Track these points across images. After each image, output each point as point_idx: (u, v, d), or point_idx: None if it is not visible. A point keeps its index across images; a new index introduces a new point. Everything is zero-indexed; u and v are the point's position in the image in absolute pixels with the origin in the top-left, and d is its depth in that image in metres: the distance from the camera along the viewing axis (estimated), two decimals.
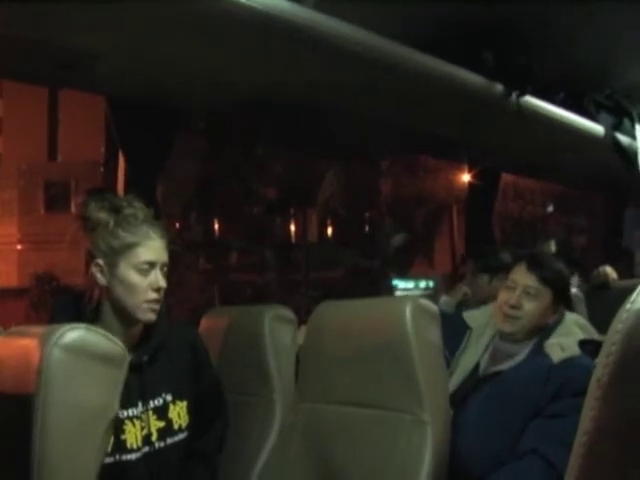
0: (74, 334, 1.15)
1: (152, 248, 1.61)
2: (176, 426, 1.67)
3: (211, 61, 1.98)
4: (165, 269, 1.65)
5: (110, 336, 1.21)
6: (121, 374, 1.21)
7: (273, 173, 7.03)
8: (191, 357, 1.77)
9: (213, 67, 2.04)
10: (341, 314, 1.91)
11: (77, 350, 1.15)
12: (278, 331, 2.06)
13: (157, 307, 1.63)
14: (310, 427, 1.85)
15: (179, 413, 1.68)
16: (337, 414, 1.79)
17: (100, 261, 1.59)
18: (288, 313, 2.11)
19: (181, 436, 1.68)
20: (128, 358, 1.24)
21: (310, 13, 1.78)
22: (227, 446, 1.90)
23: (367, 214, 8.17)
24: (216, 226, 7.17)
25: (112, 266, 1.59)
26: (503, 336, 1.92)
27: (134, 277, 1.59)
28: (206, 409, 1.82)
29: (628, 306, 0.57)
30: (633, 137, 3.14)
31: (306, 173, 7.10)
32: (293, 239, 7.70)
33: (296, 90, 2.28)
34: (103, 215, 1.60)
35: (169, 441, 1.64)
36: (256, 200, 7.19)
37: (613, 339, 0.57)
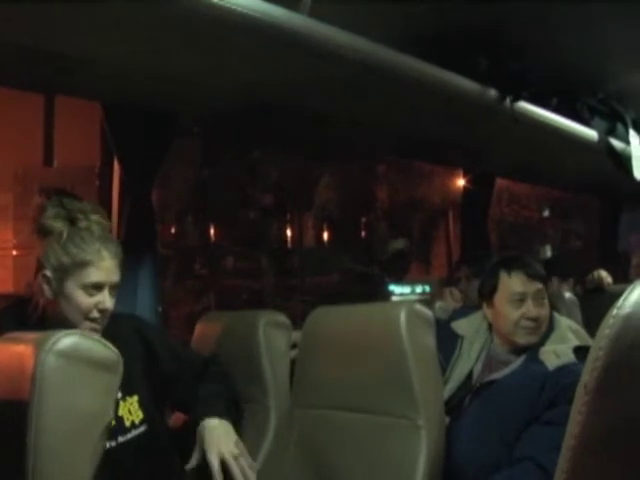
0: (68, 340, 1.16)
1: (102, 269, 1.58)
2: (127, 423, 1.64)
3: (206, 67, 1.99)
4: (115, 289, 1.62)
5: (104, 342, 1.22)
6: (115, 379, 1.21)
7: (268, 177, 7.03)
8: (140, 347, 1.74)
9: (209, 73, 2.04)
10: (336, 319, 1.91)
11: (71, 356, 1.15)
12: (272, 336, 2.06)
13: (99, 327, 1.60)
14: (305, 432, 1.85)
15: (130, 409, 1.65)
16: (332, 419, 1.79)
17: (48, 273, 1.56)
18: (282, 318, 2.11)
19: (135, 432, 1.64)
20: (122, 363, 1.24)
21: (305, 20, 1.78)
22: None
23: (363, 219, 8.17)
24: (212, 231, 7.17)
25: (59, 281, 1.56)
26: (521, 348, 1.89)
27: (80, 297, 1.56)
28: (196, 373, 1.80)
29: (615, 311, 0.58)
30: (627, 142, 3.15)
31: (302, 178, 7.11)
32: (289, 244, 7.69)
33: (291, 96, 2.28)
34: (58, 225, 1.56)
35: (121, 439, 1.61)
36: (252, 205, 7.19)
37: (600, 344, 0.57)
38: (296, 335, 2.09)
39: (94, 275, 1.56)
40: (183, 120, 2.88)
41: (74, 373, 1.15)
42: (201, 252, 6.94)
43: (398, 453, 1.63)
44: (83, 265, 1.55)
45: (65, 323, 1.57)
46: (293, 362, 2.02)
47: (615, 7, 2.22)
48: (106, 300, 1.59)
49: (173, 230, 6.77)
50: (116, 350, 1.22)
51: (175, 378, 1.80)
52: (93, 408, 1.19)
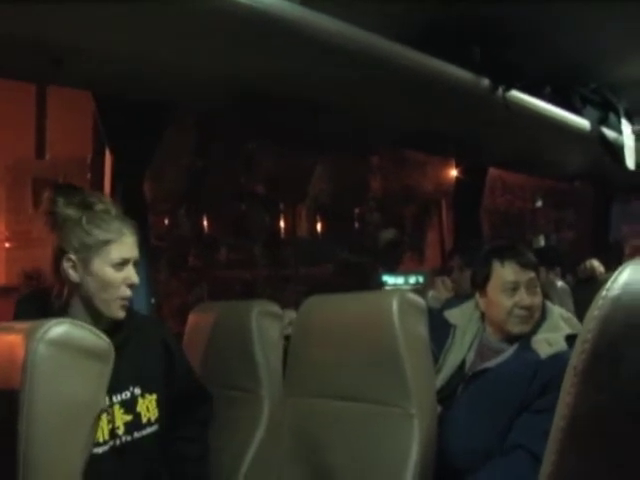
0: (59, 329, 1.15)
1: (126, 244, 1.62)
2: (144, 420, 1.66)
3: (198, 56, 1.98)
4: (136, 266, 1.65)
5: (95, 330, 1.21)
6: (107, 368, 1.21)
7: (262, 169, 7.04)
8: (163, 352, 1.78)
9: (200, 62, 2.03)
10: (329, 308, 1.91)
11: (63, 345, 1.15)
12: (265, 326, 2.06)
13: (127, 304, 1.65)
14: (298, 421, 1.85)
15: (148, 407, 1.68)
16: (325, 408, 1.80)
17: (72, 256, 1.58)
18: (275, 308, 2.11)
19: (149, 430, 1.67)
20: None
21: (298, 9, 1.78)
22: (215, 441, 1.90)
23: (357, 209, 8.19)
24: (205, 222, 7.18)
25: (86, 262, 1.59)
26: (514, 337, 1.90)
27: (109, 273, 1.60)
28: (185, 403, 1.82)
29: (604, 293, 0.58)
30: (619, 131, 3.15)
31: (295, 168, 7.11)
32: (283, 235, 7.71)
33: (284, 86, 2.27)
34: (72, 211, 1.59)
35: (136, 435, 1.64)
36: (245, 196, 7.19)
37: (589, 326, 0.57)
38: (290, 314, 2.10)
39: (119, 251, 1.60)
40: (176, 111, 2.86)
41: (65, 362, 1.15)
42: (194, 243, 6.94)
43: (391, 441, 1.63)
44: (107, 243, 1.59)
45: (92, 308, 1.61)
46: (286, 351, 2.03)
47: None
48: (132, 275, 1.63)
49: (166, 221, 6.77)
50: (107, 339, 1.22)
51: (176, 396, 1.81)
52: (85, 397, 1.18)
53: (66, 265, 1.59)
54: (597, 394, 0.57)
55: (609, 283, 0.58)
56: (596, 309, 0.57)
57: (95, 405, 1.21)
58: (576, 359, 0.57)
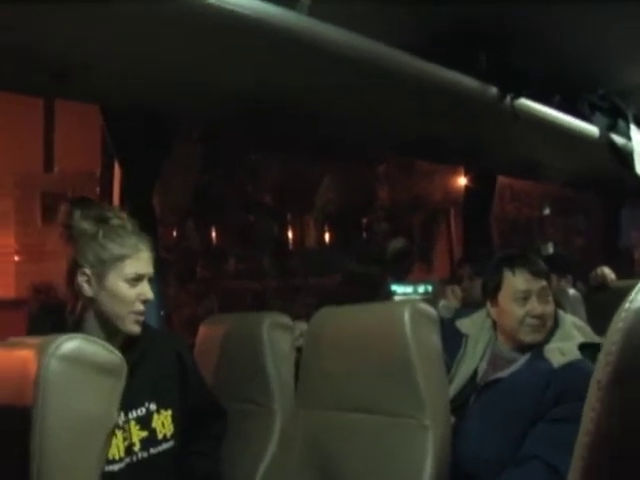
0: (71, 344, 1.15)
1: (141, 260, 1.61)
2: (160, 436, 1.65)
3: (206, 69, 1.98)
4: (151, 282, 1.65)
5: (107, 345, 1.21)
6: (119, 383, 1.20)
7: (269, 179, 7.05)
8: (177, 366, 1.77)
9: (208, 75, 2.03)
10: (340, 319, 1.90)
11: (75, 360, 1.14)
12: (276, 338, 2.05)
13: (142, 319, 1.64)
14: (310, 433, 1.84)
15: (163, 422, 1.67)
16: (337, 420, 1.79)
17: (87, 271, 1.58)
18: (286, 319, 2.10)
19: (165, 446, 1.66)
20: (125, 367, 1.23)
21: (304, 19, 1.78)
22: (227, 455, 1.89)
23: (365, 219, 8.19)
24: (213, 234, 7.19)
25: (100, 277, 1.58)
26: (526, 346, 1.88)
27: (123, 288, 1.59)
28: (199, 418, 1.81)
29: (627, 305, 0.57)
30: (628, 138, 3.14)
31: (303, 179, 7.12)
32: (291, 245, 7.71)
33: (292, 96, 2.28)
34: (88, 225, 1.59)
35: (152, 451, 1.63)
36: (252, 206, 7.20)
37: (613, 338, 0.56)
38: (301, 325, 2.09)
39: (134, 267, 1.60)
40: (184, 123, 2.87)
41: (77, 377, 1.14)
42: (203, 255, 6.94)
43: (405, 453, 1.62)
44: (123, 258, 1.59)
45: (106, 323, 1.61)
46: (297, 364, 2.02)
47: (615, 3, 2.21)
48: (147, 291, 1.62)
49: (174, 233, 6.79)
50: (119, 354, 1.21)
51: (191, 410, 1.81)
52: (97, 412, 1.18)
53: (80, 279, 1.59)
54: (623, 407, 0.55)
55: (632, 294, 0.57)
56: (620, 321, 0.56)
57: (107, 420, 1.20)
58: (600, 372, 0.56)
